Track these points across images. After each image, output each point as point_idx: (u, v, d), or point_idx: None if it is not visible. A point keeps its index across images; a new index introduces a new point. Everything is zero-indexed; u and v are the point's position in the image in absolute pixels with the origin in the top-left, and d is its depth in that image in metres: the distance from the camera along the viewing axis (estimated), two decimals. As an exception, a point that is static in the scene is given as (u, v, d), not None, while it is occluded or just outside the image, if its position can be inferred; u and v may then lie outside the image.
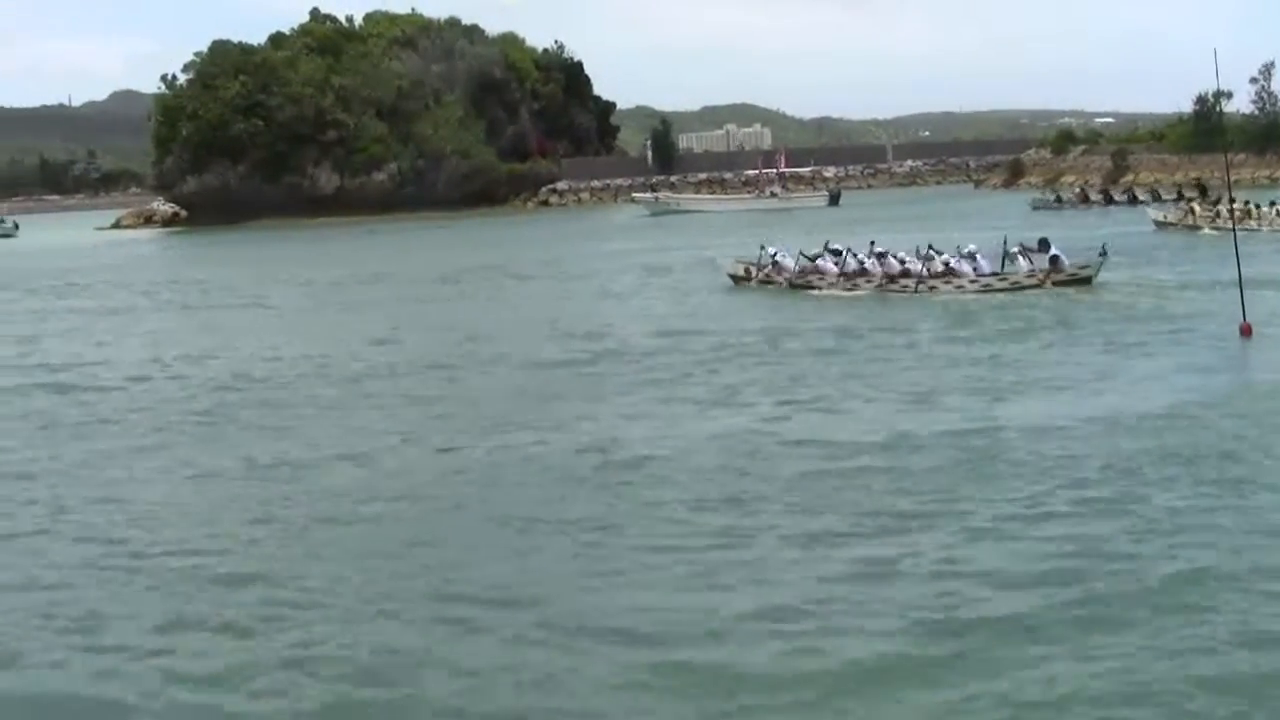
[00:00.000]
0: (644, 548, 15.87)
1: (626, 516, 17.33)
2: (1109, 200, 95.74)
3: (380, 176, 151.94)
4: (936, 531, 15.90)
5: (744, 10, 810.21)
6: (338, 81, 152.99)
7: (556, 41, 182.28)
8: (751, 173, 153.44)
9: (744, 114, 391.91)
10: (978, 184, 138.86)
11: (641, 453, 21.05)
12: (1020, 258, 43.36)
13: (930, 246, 44.96)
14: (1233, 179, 59.84)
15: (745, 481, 18.83)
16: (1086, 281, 42.21)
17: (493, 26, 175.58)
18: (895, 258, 45.00)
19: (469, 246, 69.75)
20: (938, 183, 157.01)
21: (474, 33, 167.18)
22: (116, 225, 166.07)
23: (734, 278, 49.46)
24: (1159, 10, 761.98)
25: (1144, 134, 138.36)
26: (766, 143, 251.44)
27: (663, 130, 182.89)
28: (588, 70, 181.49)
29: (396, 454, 22.10)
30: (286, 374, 31.97)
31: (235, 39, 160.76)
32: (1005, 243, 44.07)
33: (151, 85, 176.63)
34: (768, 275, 47.84)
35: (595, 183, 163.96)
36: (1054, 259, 42.85)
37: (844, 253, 46.39)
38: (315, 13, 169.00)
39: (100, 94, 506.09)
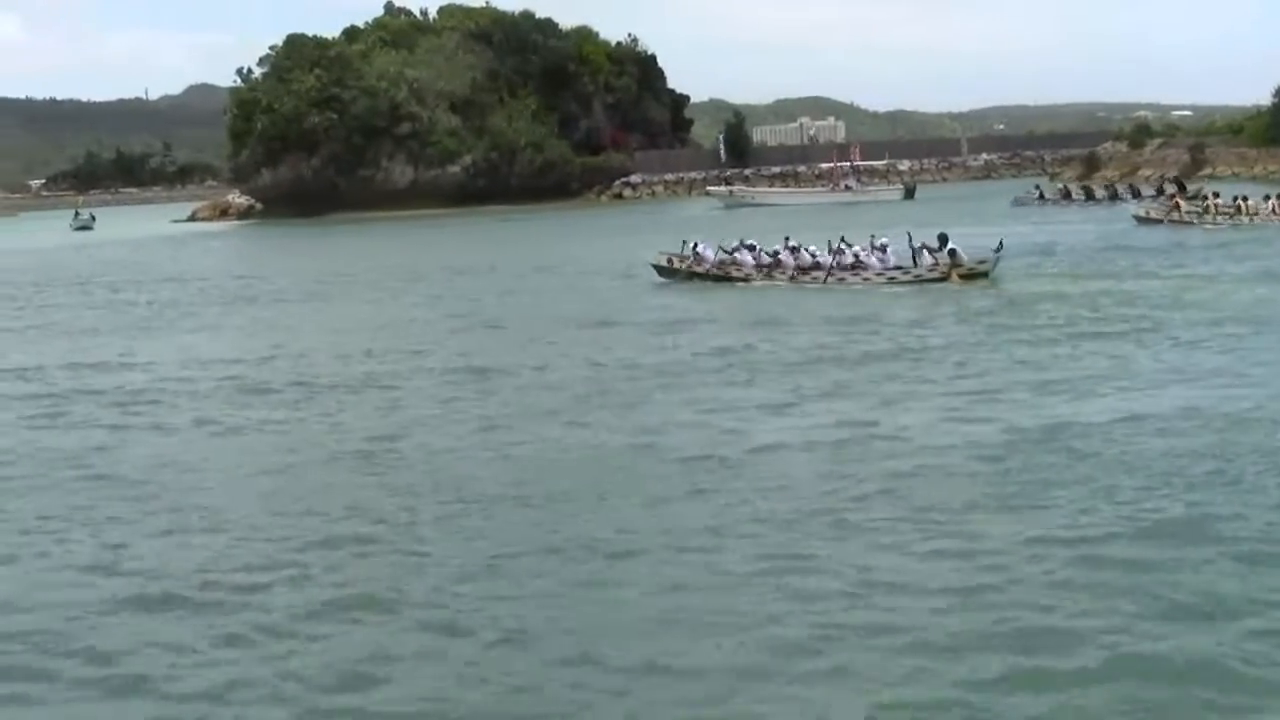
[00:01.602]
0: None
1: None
2: (1089, 196, 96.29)
3: (454, 170, 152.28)
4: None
5: (818, 4, 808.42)
6: (412, 75, 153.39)
7: (630, 35, 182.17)
8: (825, 166, 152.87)
9: (817, 107, 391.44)
10: (1053, 177, 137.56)
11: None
12: (925, 252, 45.28)
13: (842, 239, 47.66)
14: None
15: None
16: (984, 275, 44.46)
17: (566, 20, 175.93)
18: (807, 251, 47.75)
19: (544, 239, 69.79)
20: (1013, 176, 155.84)
21: (548, 26, 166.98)
22: (192, 218, 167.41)
23: (658, 269, 51.30)
24: (1238, 2, 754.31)
25: (1221, 126, 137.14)
26: (840, 136, 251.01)
27: (736, 123, 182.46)
28: (661, 63, 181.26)
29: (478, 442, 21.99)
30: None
31: (310, 32, 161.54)
32: (910, 239, 46.38)
33: (227, 79, 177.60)
34: (690, 267, 50.00)
35: (669, 176, 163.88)
36: (952, 252, 44.75)
37: (757, 246, 49.70)
38: (390, 6, 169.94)
39: (176, 88, 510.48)
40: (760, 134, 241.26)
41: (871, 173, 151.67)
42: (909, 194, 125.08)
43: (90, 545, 17.00)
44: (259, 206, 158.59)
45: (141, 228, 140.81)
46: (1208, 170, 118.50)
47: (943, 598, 13.41)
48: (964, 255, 44.92)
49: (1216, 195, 70.05)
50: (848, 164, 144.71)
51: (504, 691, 11.88)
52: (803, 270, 46.97)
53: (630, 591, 14.24)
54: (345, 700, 11.87)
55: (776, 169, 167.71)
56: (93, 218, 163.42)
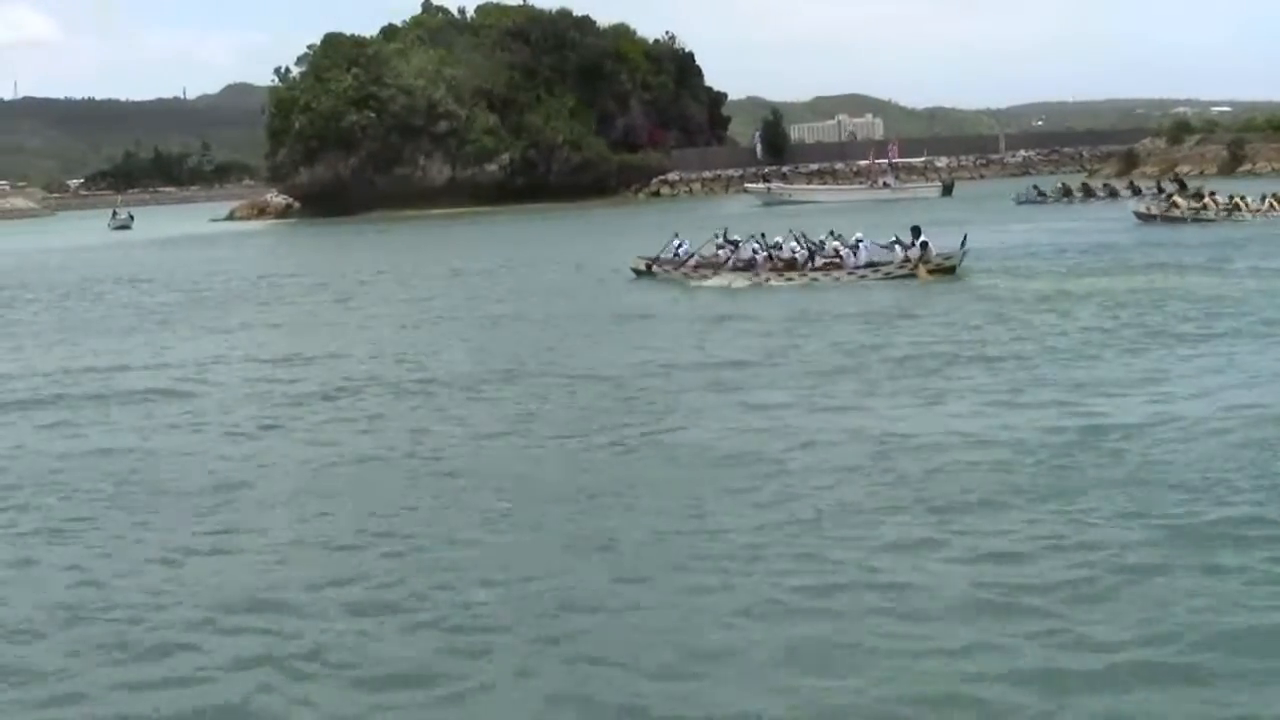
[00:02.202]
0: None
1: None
2: (1089, 194, 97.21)
3: (491, 168, 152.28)
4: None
5: (856, 1, 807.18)
6: (449, 73, 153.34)
7: (667, 32, 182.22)
8: (863, 163, 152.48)
9: (855, 104, 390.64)
10: (1091, 174, 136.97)
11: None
12: (896, 247, 46.35)
13: (831, 233, 49.82)
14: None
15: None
16: (951, 271, 45.32)
17: (604, 17, 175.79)
18: (788, 247, 48.55)
19: (579, 237, 69.95)
20: (1050, 173, 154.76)
21: (585, 23, 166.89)
22: (231, 217, 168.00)
23: (636, 272, 51.99)
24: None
25: (1261, 123, 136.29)
26: (878, 133, 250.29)
27: (774, 121, 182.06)
28: (699, 61, 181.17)
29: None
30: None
31: (348, 31, 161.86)
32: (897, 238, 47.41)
33: (264, 78, 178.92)
34: (667, 269, 51.00)
35: (706, 173, 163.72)
36: (924, 245, 45.73)
37: (740, 244, 50.35)
38: (427, 4, 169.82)
39: (214, 87, 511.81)
40: (798, 131, 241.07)
41: (909, 170, 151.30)
42: (947, 191, 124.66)
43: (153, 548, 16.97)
44: (297, 205, 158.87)
45: (180, 227, 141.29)
46: (1247, 166, 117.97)
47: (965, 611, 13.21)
48: (933, 250, 45.86)
49: (1214, 193, 71.20)
50: (886, 161, 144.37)
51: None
52: (777, 269, 47.62)
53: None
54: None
55: (814, 166, 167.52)
56: (131, 217, 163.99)
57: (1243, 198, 67.85)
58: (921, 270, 44.81)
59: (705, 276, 48.85)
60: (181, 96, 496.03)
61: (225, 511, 18.37)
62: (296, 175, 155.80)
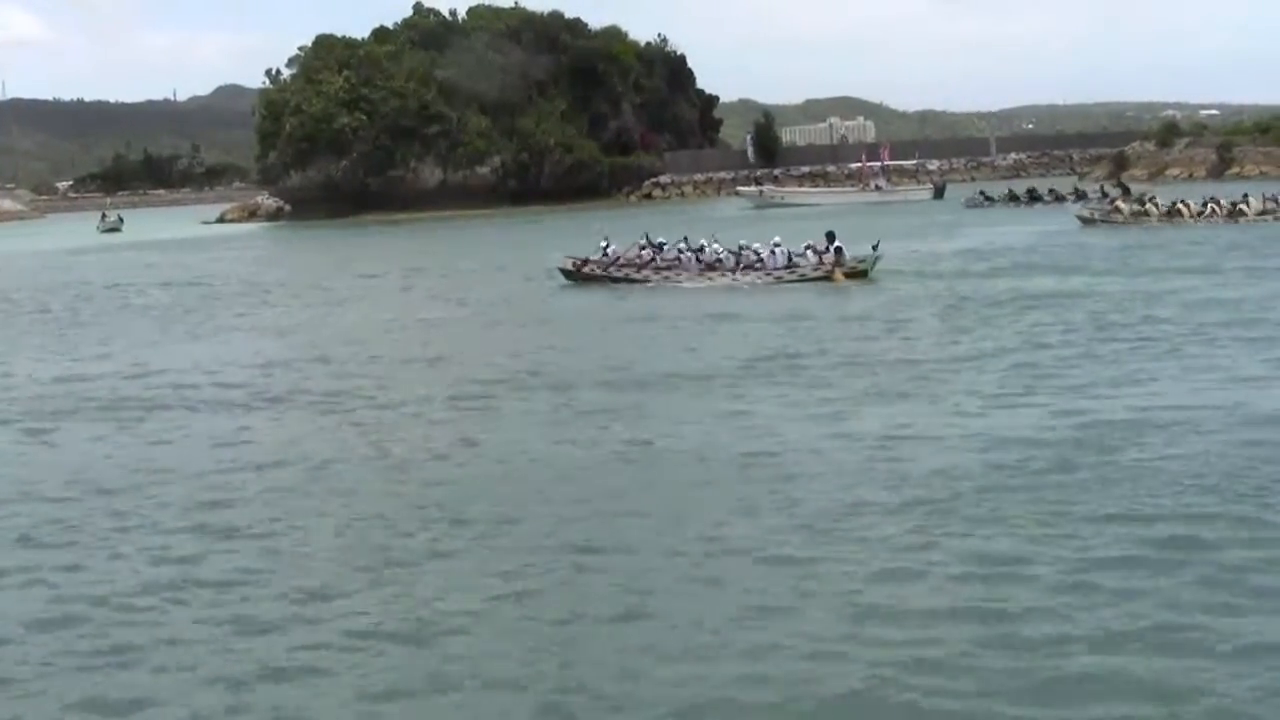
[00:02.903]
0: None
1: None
2: (1034, 198, 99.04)
3: (483, 170, 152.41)
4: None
5: (848, 4, 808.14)
6: (441, 75, 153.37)
7: (659, 35, 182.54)
8: (855, 166, 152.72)
9: (847, 107, 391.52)
10: (1081, 176, 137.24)
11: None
12: (809, 252, 48.77)
13: (774, 242, 50.24)
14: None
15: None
16: (864, 274, 47.66)
17: (596, 20, 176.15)
18: (710, 250, 50.95)
19: (566, 241, 70.26)
20: (1041, 175, 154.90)
21: (577, 26, 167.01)
22: (221, 219, 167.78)
23: (565, 272, 53.62)
24: (1267, 2, 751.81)
25: (1249, 126, 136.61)
26: (870, 136, 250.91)
27: (765, 123, 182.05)
28: (691, 64, 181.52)
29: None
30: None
31: (339, 33, 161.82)
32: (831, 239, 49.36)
33: (255, 79, 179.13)
34: (593, 269, 52.68)
35: (698, 176, 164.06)
36: (838, 250, 48.01)
37: (664, 245, 53.00)
38: (419, 6, 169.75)
39: (204, 89, 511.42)
40: (789, 134, 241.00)
41: (901, 172, 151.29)
42: (938, 194, 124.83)
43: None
44: (288, 208, 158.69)
45: (170, 229, 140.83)
46: (1235, 170, 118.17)
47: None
48: (847, 255, 48.10)
49: (1154, 197, 73.63)
50: (877, 164, 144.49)
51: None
52: (701, 270, 49.93)
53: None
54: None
55: (806, 169, 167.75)
56: (120, 219, 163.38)
57: (1185, 202, 69.96)
58: (837, 273, 47.13)
59: (629, 277, 51.24)
60: (172, 98, 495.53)
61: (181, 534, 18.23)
62: (287, 178, 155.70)
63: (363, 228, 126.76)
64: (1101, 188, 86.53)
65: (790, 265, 48.19)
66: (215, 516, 18.25)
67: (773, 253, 48.86)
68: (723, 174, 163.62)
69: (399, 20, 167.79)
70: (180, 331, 44.01)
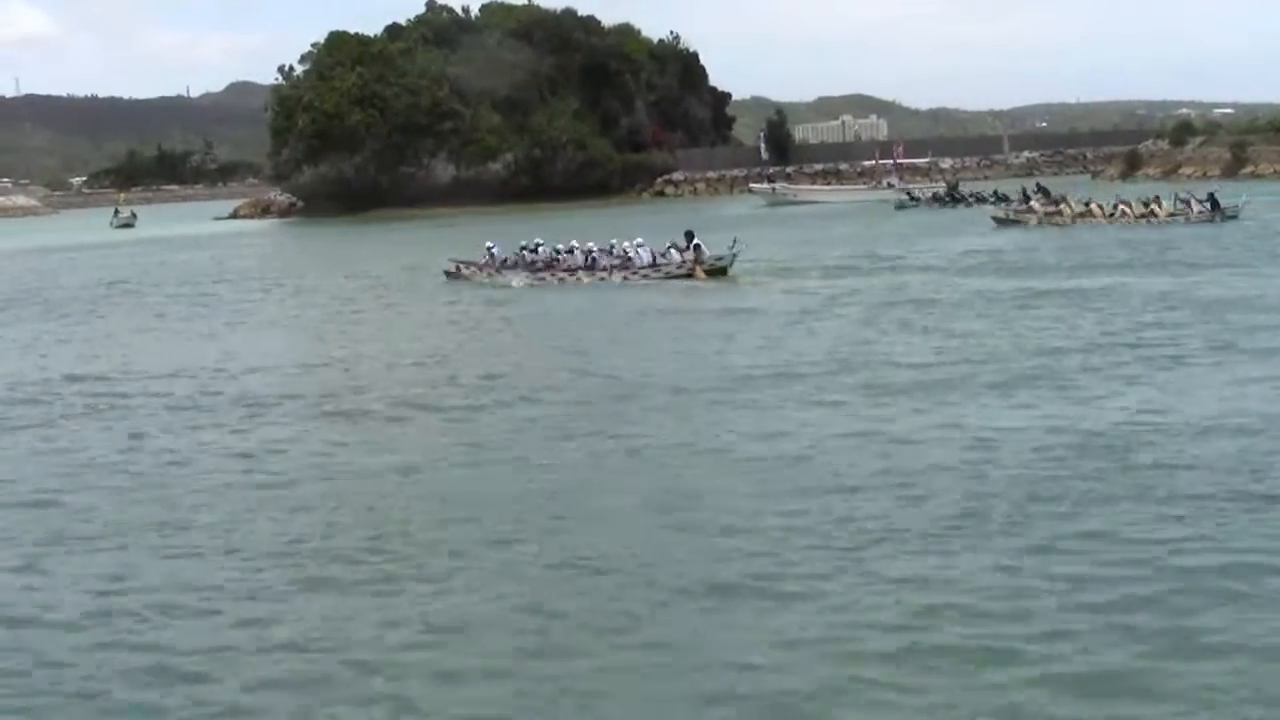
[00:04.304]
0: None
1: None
2: (958, 200, 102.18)
3: (495, 167, 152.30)
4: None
5: (860, 2, 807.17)
6: (454, 73, 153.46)
7: (672, 32, 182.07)
8: (868, 164, 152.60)
9: (859, 105, 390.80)
10: (1094, 175, 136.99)
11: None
12: (673, 251, 51.69)
13: (637, 242, 53.35)
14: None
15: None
16: (723, 271, 50.52)
17: (608, 17, 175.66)
18: (581, 251, 53.97)
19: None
20: (1054, 174, 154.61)
21: (590, 24, 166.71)
22: (234, 216, 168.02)
23: (449, 274, 56.43)
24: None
25: (1264, 124, 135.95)
26: (882, 134, 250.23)
27: (778, 121, 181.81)
28: (703, 61, 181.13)
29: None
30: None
31: (352, 30, 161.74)
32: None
33: (268, 76, 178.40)
34: (473, 271, 55.60)
35: (711, 174, 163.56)
36: (697, 248, 51.04)
37: (540, 247, 55.55)
38: (431, 3, 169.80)
39: (217, 85, 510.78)
40: (802, 132, 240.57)
41: (913, 170, 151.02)
42: (951, 191, 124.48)
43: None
44: (300, 204, 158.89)
45: (183, 226, 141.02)
46: (1250, 168, 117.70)
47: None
48: (706, 252, 50.93)
49: (1065, 199, 75.92)
50: (890, 162, 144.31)
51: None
52: (570, 271, 52.86)
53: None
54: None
55: (819, 167, 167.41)
56: (134, 215, 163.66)
57: (1097, 203, 72.81)
58: (698, 271, 49.89)
59: (505, 276, 53.82)
60: (185, 94, 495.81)
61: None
62: (300, 174, 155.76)
63: (374, 224, 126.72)
64: (1024, 190, 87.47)
65: (655, 264, 51.31)
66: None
67: (638, 252, 52.06)
68: (735, 171, 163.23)
69: (412, 17, 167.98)
70: (178, 329, 44.30)
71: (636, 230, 59.54)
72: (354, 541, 16.63)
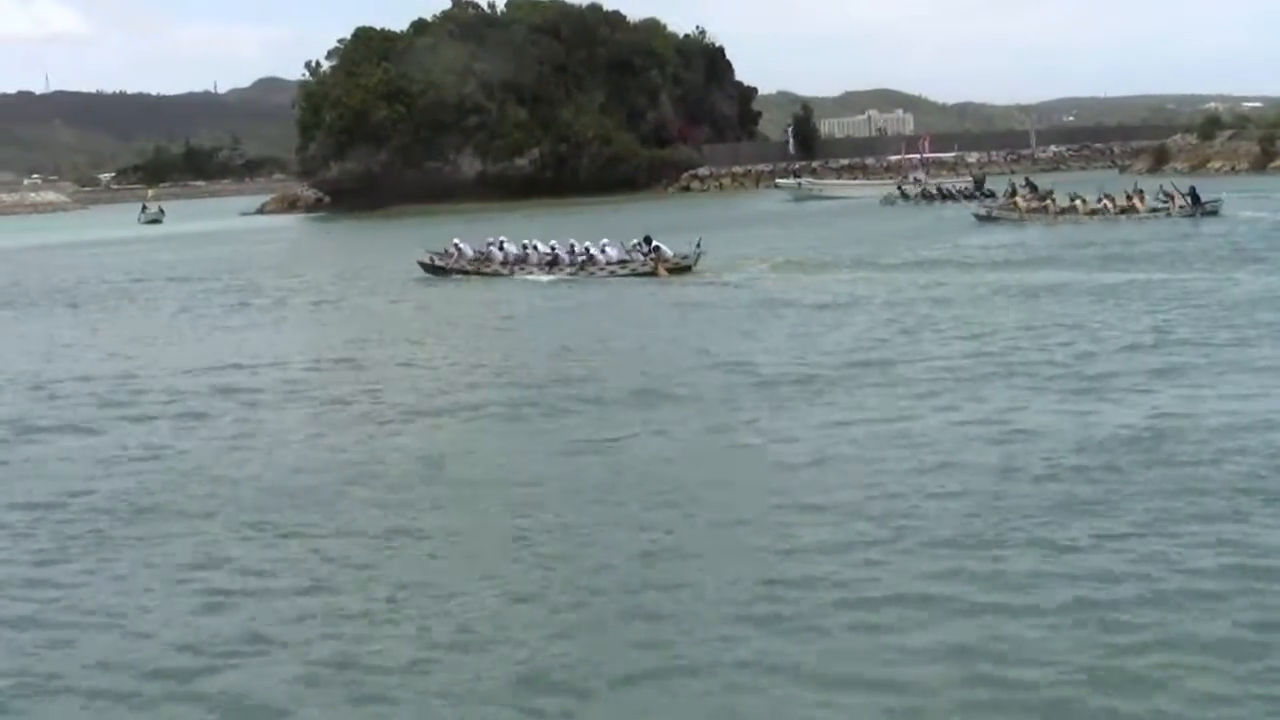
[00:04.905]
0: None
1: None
2: (946, 196, 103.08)
3: (521, 162, 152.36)
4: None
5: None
6: (480, 68, 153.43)
7: (698, 27, 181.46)
8: (894, 158, 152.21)
9: (885, 99, 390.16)
10: (1122, 169, 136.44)
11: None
12: (637, 251, 54.26)
13: (604, 242, 55.69)
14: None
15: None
16: (688, 269, 53.04)
17: (634, 12, 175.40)
18: (549, 247, 56.71)
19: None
20: (1081, 168, 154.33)
21: (615, 19, 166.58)
22: (261, 211, 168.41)
23: (424, 265, 58.49)
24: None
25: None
26: (908, 128, 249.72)
27: (804, 116, 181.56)
28: (729, 56, 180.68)
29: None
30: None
31: (378, 25, 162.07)
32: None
33: (295, 72, 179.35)
34: (448, 263, 57.96)
35: (736, 168, 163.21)
36: (656, 249, 53.69)
37: (504, 242, 58.37)
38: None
39: (244, 81, 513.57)
40: (828, 126, 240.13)
41: (940, 165, 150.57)
42: (978, 186, 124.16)
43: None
44: (327, 199, 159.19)
45: (210, 221, 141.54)
46: (1278, 162, 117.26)
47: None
48: (667, 252, 53.50)
49: (1052, 195, 76.96)
50: (916, 156, 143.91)
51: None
52: (541, 265, 55.61)
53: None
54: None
55: (845, 161, 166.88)
56: (161, 211, 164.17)
57: (1080, 198, 73.15)
58: (661, 269, 52.41)
59: (479, 270, 56.83)
60: (212, 90, 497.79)
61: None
62: (327, 169, 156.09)
63: (400, 219, 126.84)
64: (1011, 185, 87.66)
65: (622, 261, 53.77)
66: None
67: (603, 251, 54.52)
68: (761, 166, 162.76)
69: (438, 12, 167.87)
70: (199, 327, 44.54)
71: (663, 225, 60.77)
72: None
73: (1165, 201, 71.36)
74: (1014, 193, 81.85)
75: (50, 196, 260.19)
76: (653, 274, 52.21)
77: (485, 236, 60.43)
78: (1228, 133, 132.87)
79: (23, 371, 33.92)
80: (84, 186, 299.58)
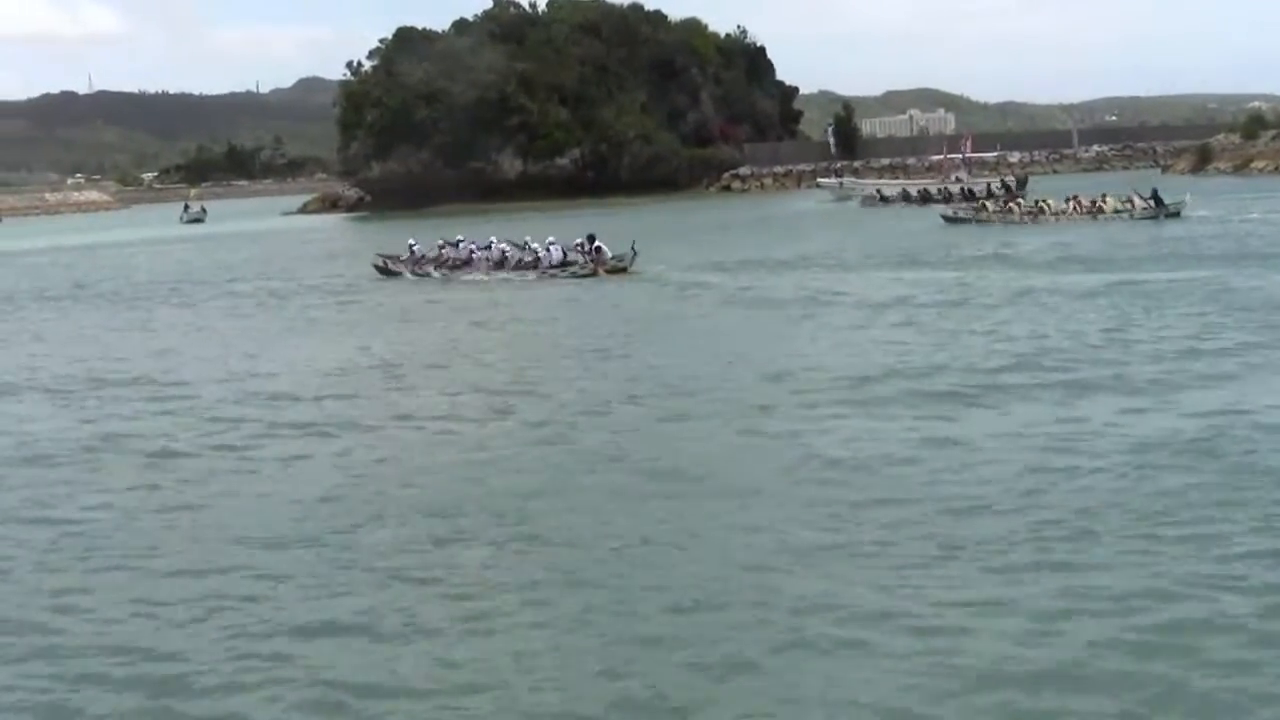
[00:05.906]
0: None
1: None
2: (926, 199, 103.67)
3: (563, 162, 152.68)
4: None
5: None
6: (521, 67, 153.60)
7: (739, 27, 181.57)
8: (936, 158, 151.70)
9: (927, 99, 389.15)
10: (1165, 169, 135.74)
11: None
12: (579, 251, 56.04)
13: (549, 241, 57.25)
14: None
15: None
16: (623, 270, 54.44)
17: (675, 12, 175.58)
18: (497, 249, 58.33)
19: (650, 231, 71.73)
20: (1124, 168, 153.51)
21: (656, 18, 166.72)
22: (302, 210, 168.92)
23: (378, 269, 60.25)
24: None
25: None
26: (950, 128, 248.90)
27: (845, 115, 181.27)
28: (770, 55, 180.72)
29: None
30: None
31: (419, 25, 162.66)
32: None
33: (336, 72, 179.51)
34: (401, 265, 59.62)
35: (777, 168, 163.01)
36: (598, 249, 55.32)
37: (459, 244, 59.94)
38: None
39: (286, 81, 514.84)
40: (869, 126, 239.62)
41: (982, 164, 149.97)
42: (1020, 185, 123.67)
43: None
44: (368, 199, 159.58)
45: (252, 221, 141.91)
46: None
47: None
48: (607, 253, 55.00)
49: (1019, 198, 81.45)
50: (958, 156, 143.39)
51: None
52: (495, 266, 57.23)
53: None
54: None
55: (886, 161, 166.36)
56: (203, 210, 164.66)
57: (1047, 200, 75.83)
58: (600, 270, 54.11)
59: (428, 273, 58.47)
60: (254, 90, 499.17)
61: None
62: (368, 169, 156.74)
63: (441, 219, 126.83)
64: (989, 187, 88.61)
65: (564, 263, 55.26)
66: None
67: (548, 250, 56.05)
68: (802, 166, 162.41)
69: (479, 12, 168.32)
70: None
71: (704, 224, 60.85)
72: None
73: (1128, 205, 73.25)
74: (990, 195, 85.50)
75: (93, 196, 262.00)
76: (593, 275, 53.99)
77: (524, 235, 60.52)
78: (1271, 132, 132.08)
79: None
80: (127, 186, 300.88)
